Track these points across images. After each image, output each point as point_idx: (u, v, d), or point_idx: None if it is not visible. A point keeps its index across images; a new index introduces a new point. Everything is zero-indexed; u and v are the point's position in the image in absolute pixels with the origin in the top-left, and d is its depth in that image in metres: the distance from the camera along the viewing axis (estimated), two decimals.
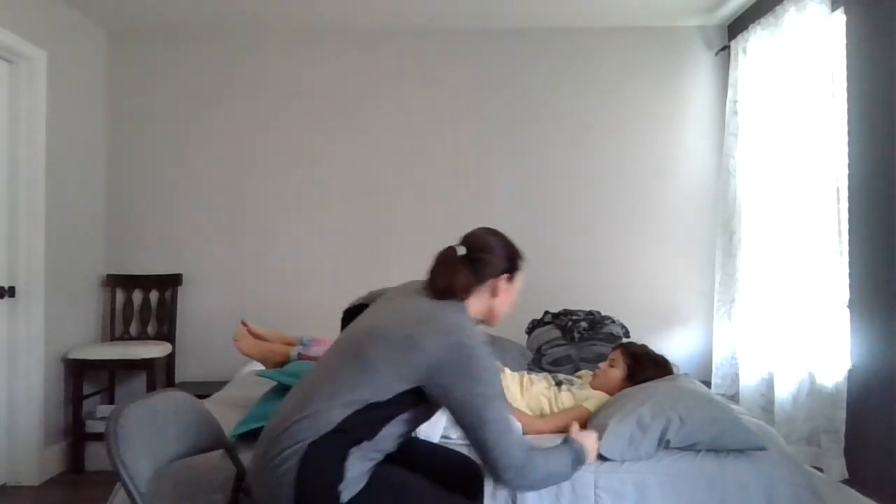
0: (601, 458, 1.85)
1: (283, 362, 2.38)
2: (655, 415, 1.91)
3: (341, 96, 3.92)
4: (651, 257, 3.85)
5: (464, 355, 1.44)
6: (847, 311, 2.70)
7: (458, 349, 1.44)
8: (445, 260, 1.61)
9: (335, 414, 1.43)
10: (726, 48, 3.70)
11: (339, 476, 1.41)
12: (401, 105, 3.92)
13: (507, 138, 3.90)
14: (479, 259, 1.59)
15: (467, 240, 1.65)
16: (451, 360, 1.43)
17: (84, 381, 3.48)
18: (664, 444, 1.90)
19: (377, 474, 1.49)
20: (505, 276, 1.63)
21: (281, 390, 2.05)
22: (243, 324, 2.44)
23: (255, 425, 1.89)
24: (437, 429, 1.91)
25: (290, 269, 3.90)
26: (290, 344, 2.43)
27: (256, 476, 1.48)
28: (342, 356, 1.52)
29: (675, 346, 3.82)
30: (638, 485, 1.85)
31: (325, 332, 2.83)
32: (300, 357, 2.35)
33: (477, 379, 1.44)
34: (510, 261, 1.64)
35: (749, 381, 3.25)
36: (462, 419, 1.45)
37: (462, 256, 1.60)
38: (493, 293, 1.62)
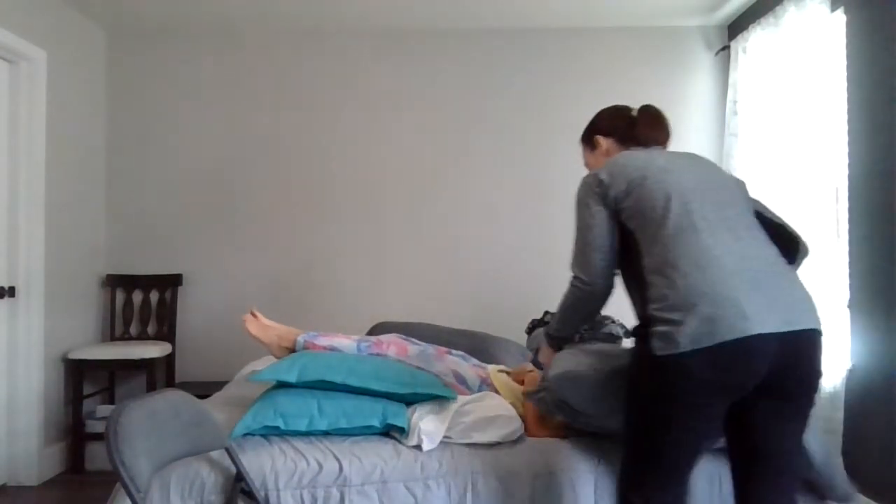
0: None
1: (290, 349, 2.36)
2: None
3: (342, 96, 3.92)
4: None
5: None
6: (847, 311, 2.70)
7: None
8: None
9: None
10: (726, 48, 3.70)
11: None
12: (402, 104, 3.92)
13: (506, 138, 3.91)
14: None
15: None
16: None
17: (84, 381, 3.48)
18: None
19: None
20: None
21: (279, 387, 2.03)
22: (253, 313, 2.43)
23: (254, 426, 1.88)
24: (440, 429, 1.91)
25: (289, 269, 3.90)
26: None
27: None
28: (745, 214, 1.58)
29: None
30: None
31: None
32: (306, 345, 2.31)
33: None
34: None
35: None
36: None
37: None
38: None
